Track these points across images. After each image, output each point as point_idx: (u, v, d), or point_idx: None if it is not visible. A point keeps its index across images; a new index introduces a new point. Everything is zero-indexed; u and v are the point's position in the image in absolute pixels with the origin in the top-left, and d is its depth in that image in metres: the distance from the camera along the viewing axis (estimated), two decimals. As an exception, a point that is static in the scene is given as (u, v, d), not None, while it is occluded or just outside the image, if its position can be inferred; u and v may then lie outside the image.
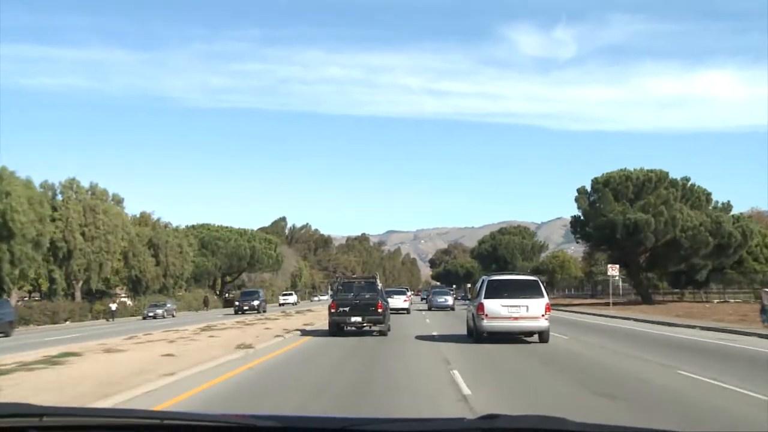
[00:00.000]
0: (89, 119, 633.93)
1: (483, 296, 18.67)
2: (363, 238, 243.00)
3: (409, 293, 49.49)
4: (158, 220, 70.88)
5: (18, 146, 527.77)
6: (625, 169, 49.85)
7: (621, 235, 45.76)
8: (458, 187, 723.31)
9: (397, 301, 39.35)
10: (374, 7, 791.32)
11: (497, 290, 18.73)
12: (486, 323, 18.41)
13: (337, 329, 22.79)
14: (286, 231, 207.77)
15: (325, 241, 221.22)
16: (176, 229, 70.17)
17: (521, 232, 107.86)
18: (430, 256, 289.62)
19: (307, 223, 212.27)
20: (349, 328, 22.87)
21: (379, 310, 22.33)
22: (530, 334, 19.07)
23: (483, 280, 20.20)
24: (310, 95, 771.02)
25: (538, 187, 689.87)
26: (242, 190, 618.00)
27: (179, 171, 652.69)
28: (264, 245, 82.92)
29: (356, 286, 24.62)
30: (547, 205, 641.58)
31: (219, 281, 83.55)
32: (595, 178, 50.70)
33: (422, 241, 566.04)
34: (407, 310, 41.06)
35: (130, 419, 2.37)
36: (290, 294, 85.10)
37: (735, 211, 51.31)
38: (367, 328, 22.75)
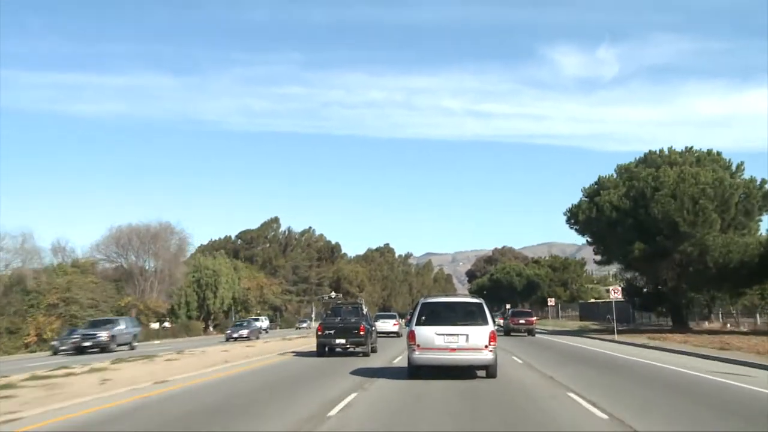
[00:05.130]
0: (132, 144, 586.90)
1: (414, 323, 14.46)
2: (386, 250, 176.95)
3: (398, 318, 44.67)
4: None
5: (60, 171, 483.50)
6: None
7: None
8: (498, 208, 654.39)
9: (386, 325, 38.57)
10: (415, 30, 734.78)
11: (432, 316, 14.46)
12: (417, 355, 14.14)
13: (323, 350, 23.01)
14: (280, 235, 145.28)
15: (332, 250, 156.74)
16: None
17: (704, 156, 38.44)
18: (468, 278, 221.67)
19: (310, 227, 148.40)
20: (337, 349, 23.12)
21: (361, 333, 22.53)
22: (471, 368, 14.45)
23: (418, 302, 15.59)
24: (352, 118, 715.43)
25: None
26: (283, 214, 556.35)
27: (221, 194, 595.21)
28: None
29: (343, 311, 25.17)
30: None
31: None
32: None
33: (460, 263, 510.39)
34: (397, 334, 38.56)
35: None
36: None
37: None
38: (351, 350, 23.00)
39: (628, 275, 44.58)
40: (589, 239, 41.57)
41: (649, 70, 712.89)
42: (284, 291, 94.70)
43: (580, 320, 70.37)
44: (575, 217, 40.97)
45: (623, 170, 40.13)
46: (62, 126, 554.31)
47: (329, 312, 26.36)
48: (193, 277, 63.72)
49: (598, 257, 43.04)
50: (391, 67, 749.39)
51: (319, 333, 23.23)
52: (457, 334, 13.79)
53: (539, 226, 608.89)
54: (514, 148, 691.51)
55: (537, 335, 41.07)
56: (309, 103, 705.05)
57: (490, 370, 14.18)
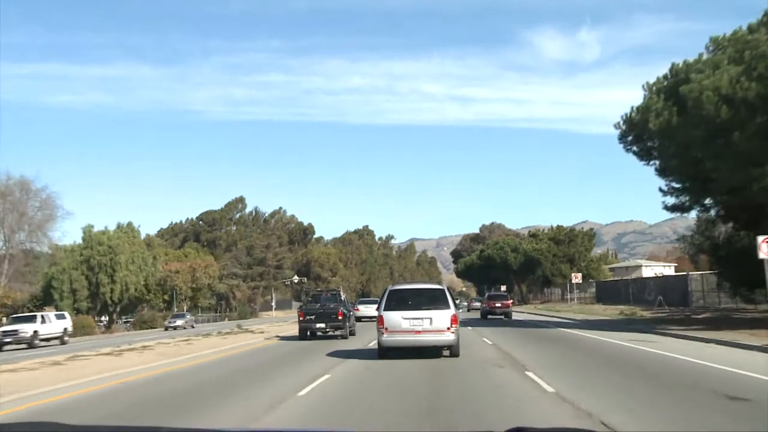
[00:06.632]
0: (113, 135, 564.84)
1: (383, 308, 15.71)
2: (365, 232, 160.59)
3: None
4: None
5: (41, 162, 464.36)
6: None
7: None
8: (481, 192, 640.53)
9: (369, 310, 39.61)
10: (396, 15, 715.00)
11: (399, 301, 15.62)
12: (386, 338, 15.40)
13: (305, 334, 24.47)
14: (246, 216, 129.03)
15: (304, 231, 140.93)
16: None
17: None
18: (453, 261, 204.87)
19: (281, 207, 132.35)
20: (318, 333, 24.30)
21: (340, 318, 23.89)
22: (436, 348, 15.49)
23: (386, 289, 16.87)
24: (334, 105, 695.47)
25: (563, 191, 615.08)
26: (264, 202, 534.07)
27: (204, 184, 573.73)
28: None
29: (323, 298, 26.71)
30: (573, 209, 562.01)
31: None
32: None
33: (445, 248, 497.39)
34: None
35: None
36: None
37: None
38: (330, 333, 24.20)
39: (716, 231, 26.95)
40: (662, 164, 23.78)
41: (631, 51, 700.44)
42: (230, 275, 76.24)
43: (599, 303, 53.74)
44: (639, 128, 23.12)
45: (724, 42, 22.31)
46: (42, 117, 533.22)
47: (310, 299, 28.38)
48: (81, 256, 45.78)
49: (671, 199, 25.14)
50: (373, 53, 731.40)
51: (301, 319, 24.88)
52: (422, 318, 14.88)
53: (523, 210, 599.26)
54: (496, 133, 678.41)
55: (574, 333, 24.00)
56: (291, 91, 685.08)
57: (453, 350, 15.31)
